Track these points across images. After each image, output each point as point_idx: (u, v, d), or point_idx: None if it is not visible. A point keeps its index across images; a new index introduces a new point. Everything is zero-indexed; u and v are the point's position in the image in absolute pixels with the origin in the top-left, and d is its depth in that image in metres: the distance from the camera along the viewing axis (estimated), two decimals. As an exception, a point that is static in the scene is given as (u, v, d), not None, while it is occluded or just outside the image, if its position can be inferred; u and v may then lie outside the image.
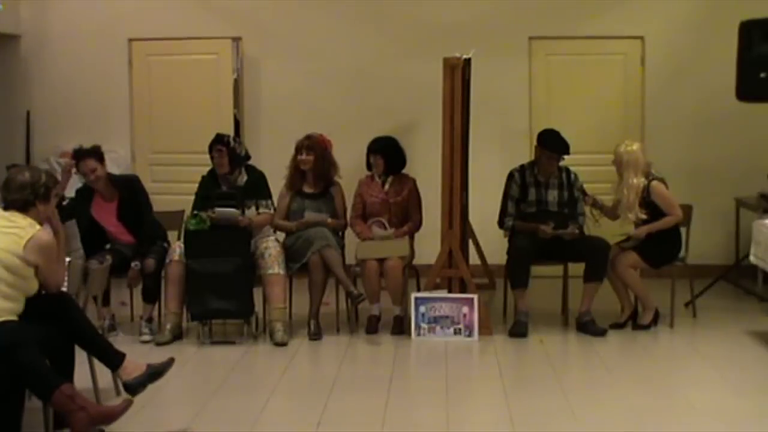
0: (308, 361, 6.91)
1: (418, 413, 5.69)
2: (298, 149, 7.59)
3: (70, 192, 7.43)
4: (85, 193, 7.39)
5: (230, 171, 7.34)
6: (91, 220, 7.34)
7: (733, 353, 6.83)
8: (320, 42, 9.38)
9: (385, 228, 7.56)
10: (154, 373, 5.29)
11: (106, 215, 7.35)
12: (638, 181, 7.27)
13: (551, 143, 7.41)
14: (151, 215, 7.47)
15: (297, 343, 7.11)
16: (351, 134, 8.49)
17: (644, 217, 7.29)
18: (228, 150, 7.30)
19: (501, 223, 7.59)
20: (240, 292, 7.07)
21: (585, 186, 7.66)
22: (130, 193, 7.36)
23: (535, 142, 7.65)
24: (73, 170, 7.26)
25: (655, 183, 7.31)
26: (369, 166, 7.76)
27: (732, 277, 8.66)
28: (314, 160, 7.55)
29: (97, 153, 7.25)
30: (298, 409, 5.77)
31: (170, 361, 5.39)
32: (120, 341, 6.96)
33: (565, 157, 7.46)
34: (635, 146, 7.39)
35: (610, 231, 7.45)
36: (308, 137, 7.61)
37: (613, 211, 7.57)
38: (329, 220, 7.48)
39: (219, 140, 7.36)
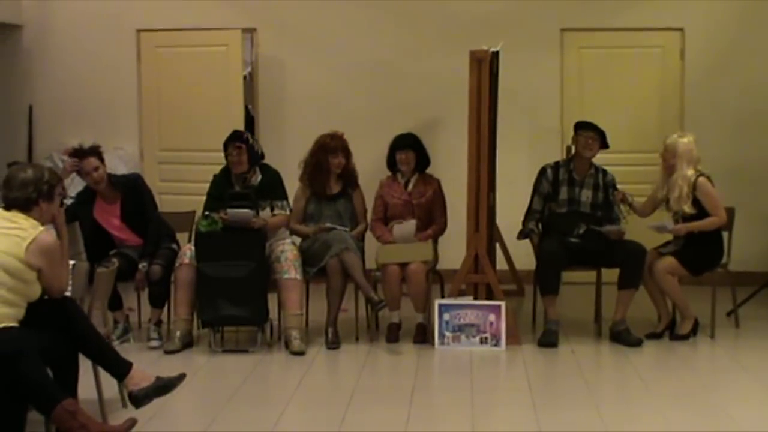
0: (325, 371, 6.92)
1: (442, 427, 5.70)
2: (331, 150, 7.51)
3: (70, 193, 7.45)
4: (87, 196, 7.40)
5: (248, 170, 7.36)
6: (94, 224, 7.36)
7: (778, 366, 6.82)
8: (339, 34, 9.41)
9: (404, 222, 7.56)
10: (163, 386, 5.26)
11: (109, 218, 7.37)
12: (691, 173, 7.26)
13: (586, 123, 7.42)
14: (156, 213, 7.47)
15: (314, 351, 7.12)
16: (372, 132, 8.52)
17: (693, 212, 7.26)
18: (247, 147, 7.30)
19: (523, 223, 7.59)
20: (254, 297, 7.07)
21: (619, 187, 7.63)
22: (132, 192, 7.37)
23: (566, 142, 7.63)
24: (75, 169, 7.26)
25: (702, 179, 7.28)
26: (391, 166, 7.73)
27: (777, 285, 8.62)
28: (346, 163, 7.57)
29: (97, 152, 7.28)
30: (315, 422, 5.77)
31: (181, 377, 5.37)
32: (130, 347, 7.06)
33: (600, 153, 7.45)
34: (690, 137, 7.38)
35: (646, 234, 7.42)
36: (338, 137, 7.55)
37: (644, 208, 7.55)
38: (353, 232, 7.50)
39: (238, 137, 7.36)
